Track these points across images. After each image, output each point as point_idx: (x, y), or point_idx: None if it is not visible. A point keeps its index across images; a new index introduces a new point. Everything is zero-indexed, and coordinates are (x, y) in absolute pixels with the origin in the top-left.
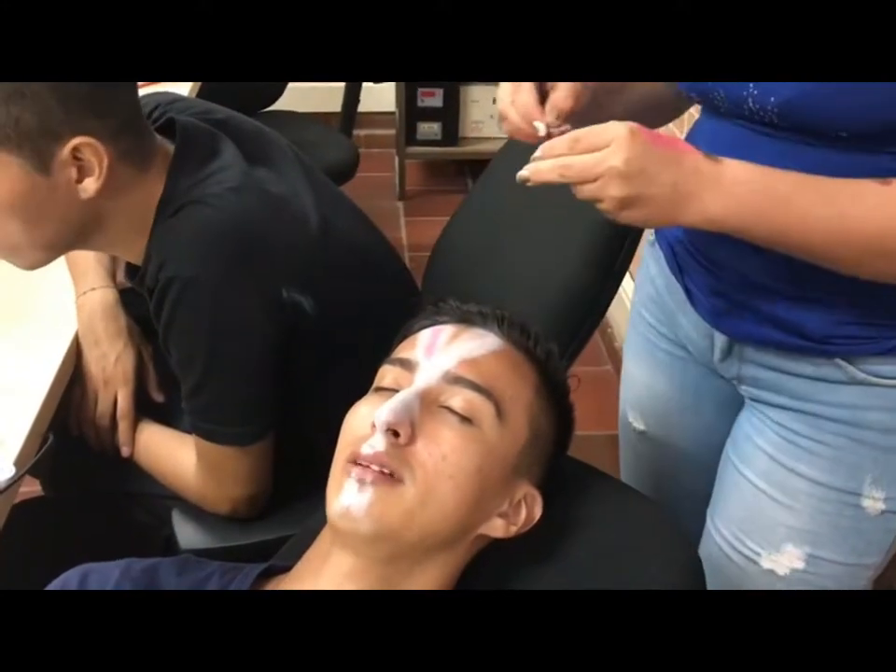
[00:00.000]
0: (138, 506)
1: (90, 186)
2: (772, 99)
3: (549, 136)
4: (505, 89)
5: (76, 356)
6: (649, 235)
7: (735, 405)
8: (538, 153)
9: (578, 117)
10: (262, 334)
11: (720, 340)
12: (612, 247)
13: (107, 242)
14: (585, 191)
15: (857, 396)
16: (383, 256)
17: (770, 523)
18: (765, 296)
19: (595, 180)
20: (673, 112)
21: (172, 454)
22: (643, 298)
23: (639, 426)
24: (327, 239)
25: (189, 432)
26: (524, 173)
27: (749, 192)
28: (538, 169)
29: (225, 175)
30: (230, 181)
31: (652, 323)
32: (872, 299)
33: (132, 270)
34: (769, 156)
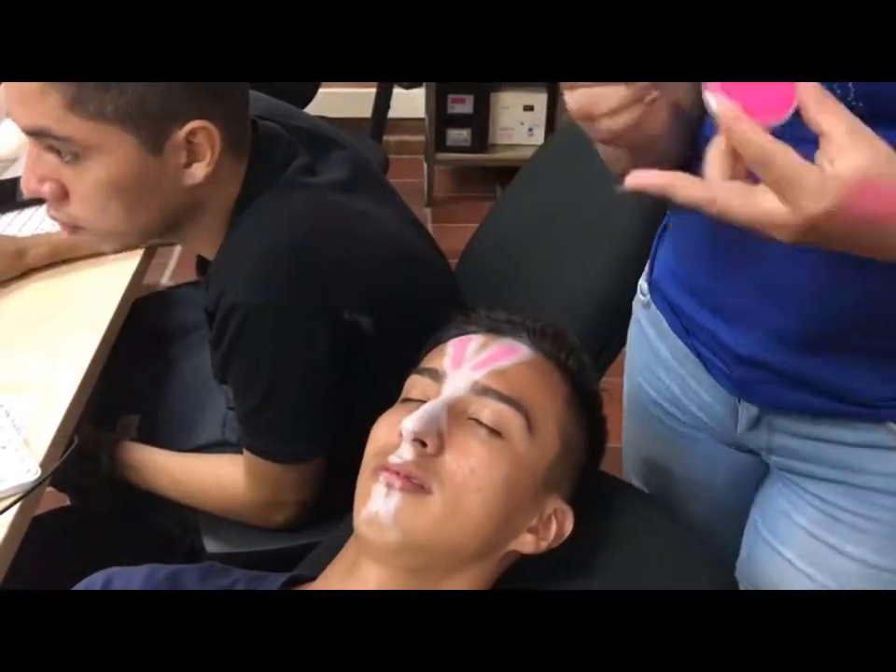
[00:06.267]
0: (163, 514)
1: (198, 171)
2: None
3: None
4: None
5: (104, 358)
6: (641, 295)
7: (752, 474)
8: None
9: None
10: (324, 356)
11: (746, 409)
12: (643, 256)
13: (193, 234)
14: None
15: None
16: (440, 271)
17: None
18: (803, 354)
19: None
20: None
21: (215, 479)
22: (640, 367)
23: (645, 491)
24: (395, 258)
25: (212, 448)
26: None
27: None
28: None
29: (296, 193)
30: (298, 200)
31: (654, 397)
32: None
33: (203, 264)
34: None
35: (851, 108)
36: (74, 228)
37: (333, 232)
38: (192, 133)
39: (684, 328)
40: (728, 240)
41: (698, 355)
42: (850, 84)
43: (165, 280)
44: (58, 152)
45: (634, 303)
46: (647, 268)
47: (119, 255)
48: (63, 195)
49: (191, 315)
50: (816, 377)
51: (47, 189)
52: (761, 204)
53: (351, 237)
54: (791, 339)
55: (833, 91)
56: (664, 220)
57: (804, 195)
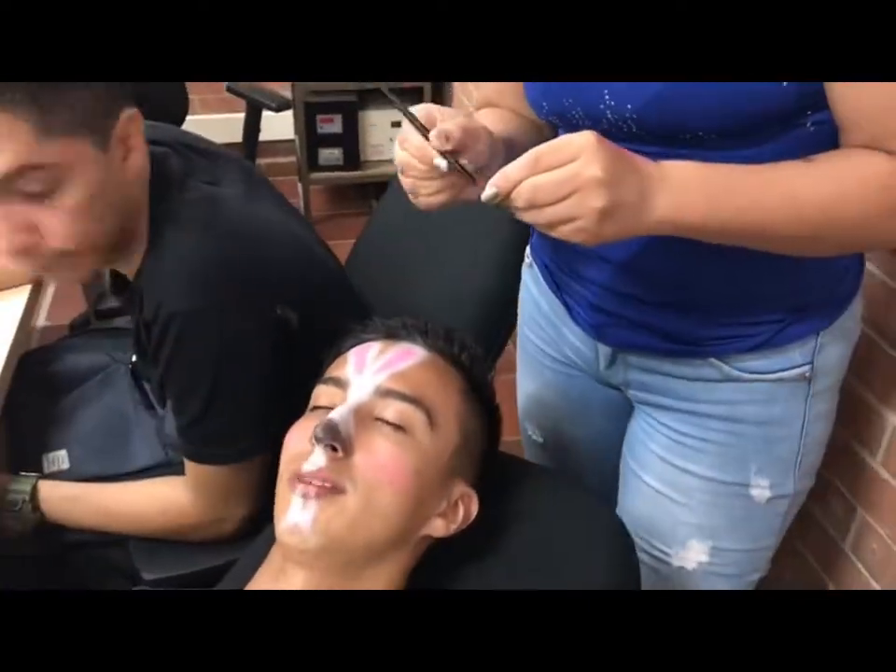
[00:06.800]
0: (93, 552)
1: (135, 161)
2: (629, 106)
3: (455, 169)
4: (398, 143)
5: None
6: (526, 258)
7: (623, 409)
8: (490, 190)
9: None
10: (262, 352)
11: (603, 349)
12: (516, 251)
13: (130, 246)
14: (559, 210)
15: (732, 392)
16: (342, 275)
17: (672, 522)
18: (635, 306)
19: (568, 196)
20: None
21: (156, 503)
22: (527, 319)
23: (537, 437)
24: (303, 255)
25: (155, 469)
26: (487, 195)
27: (696, 188)
28: (504, 206)
29: (208, 203)
30: (213, 209)
31: (538, 343)
32: (741, 297)
33: (117, 285)
34: None
35: (619, 128)
36: (46, 267)
37: (252, 235)
38: (126, 123)
39: (555, 283)
40: None
41: (565, 305)
42: (629, 105)
43: (41, 321)
44: (28, 195)
45: (523, 266)
46: (531, 233)
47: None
48: (38, 239)
49: (83, 361)
50: (653, 323)
51: (20, 242)
52: (563, 172)
53: (268, 238)
54: (630, 297)
55: (607, 112)
56: None
57: (570, 141)
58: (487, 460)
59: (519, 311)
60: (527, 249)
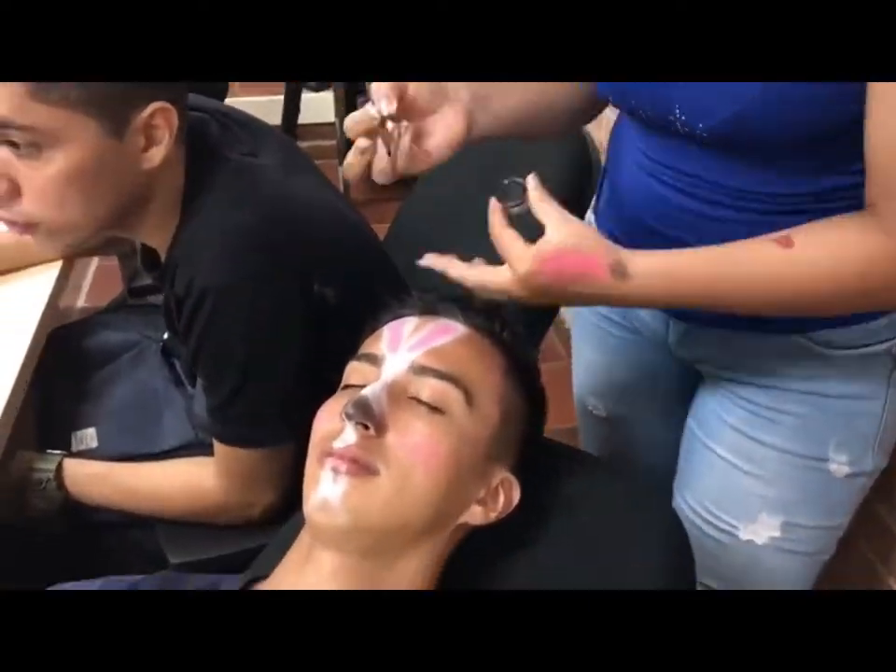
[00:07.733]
0: (120, 532)
1: (156, 155)
2: (700, 125)
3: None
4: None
5: (22, 393)
6: (587, 221)
7: (690, 381)
8: (428, 260)
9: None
10: (297, 330)
11: (677, 325)
12: None
13: (143, 222)
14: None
15: (815, 367)
16: (380, 250)
17: (743, 495)
18: None
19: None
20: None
21: (183, 484)
22: None
23: (600, 412)
24: (342, 230)
25: (185, 449)
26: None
27: (658, 288)
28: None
29: (247, 174)
30: (252, 180)
31: (602, 311)
32: None
33: (148, 261)
34: (699, 167)
35: (691, 136)
36: (26, 227)
37: (291, 209)
38: (152, 115)
39: None
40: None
41: None
42: (700, 123)
43: (81, 303)
44: (15, 146)
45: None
46: (594, 199)
47: (29, 284)
48: (15, 193)
49: (115, 338)
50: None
51: None
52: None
53: (307, 213)
54: None
55: (676, 123)
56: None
57: (513, 262)
58: (530, 445)
59: None
60: (588, 214)
